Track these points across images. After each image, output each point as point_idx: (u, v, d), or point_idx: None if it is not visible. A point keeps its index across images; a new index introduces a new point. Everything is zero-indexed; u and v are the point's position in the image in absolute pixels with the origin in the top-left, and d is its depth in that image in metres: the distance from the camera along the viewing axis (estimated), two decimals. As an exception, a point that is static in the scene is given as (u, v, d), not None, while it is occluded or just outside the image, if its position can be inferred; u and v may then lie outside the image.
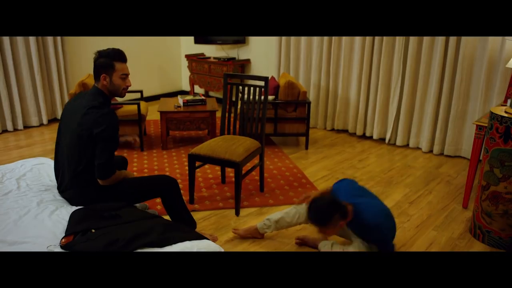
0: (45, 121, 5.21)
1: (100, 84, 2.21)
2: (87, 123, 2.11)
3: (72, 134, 2.16)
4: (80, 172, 2.17)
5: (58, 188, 2.30)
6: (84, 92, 2.33)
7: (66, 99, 5.33)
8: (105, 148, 2.13)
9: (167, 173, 3.65)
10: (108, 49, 2.22)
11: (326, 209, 2.11)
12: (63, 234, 1.85)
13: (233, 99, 3.42)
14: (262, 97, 3.12)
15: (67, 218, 1.98)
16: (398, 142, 4.52)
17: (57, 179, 2.31)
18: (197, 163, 3.11)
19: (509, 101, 2.53)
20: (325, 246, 2.41)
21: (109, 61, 2.19)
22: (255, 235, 2.61)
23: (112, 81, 2.20)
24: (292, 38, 5.12)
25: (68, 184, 2.20)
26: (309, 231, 2.67)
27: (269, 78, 4.76)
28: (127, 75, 2.25)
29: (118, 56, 2.21)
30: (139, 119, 4.14)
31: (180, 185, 2.48)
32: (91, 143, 2.12)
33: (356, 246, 2.28)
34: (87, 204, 2.14)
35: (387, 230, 2.26)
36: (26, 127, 5.12)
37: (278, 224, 2.51)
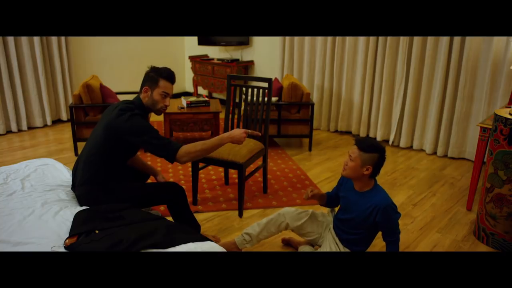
0: (49, 122, 5.24)
1: (142, 95, 2.33)
2: (115, 124, 2.18)
3: (99, 133, 2.24)
4: (96, 169, 2.23)
5: (72, 185, 2.36)
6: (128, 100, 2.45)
7: (70, 100, 5.35)
8: (150, 139, 2.15)
9: (170, 174, 3.66)
10: (162, 67, 2.34)
11: (377, 144, 2.09)
12: (67, 235, 1.85)
13: (237, 100, 3.42)
14: (266, 99, 3.12)
15: (71, 219, 1.98)
16: (402, 144, 4.51)
17: (73, 176, 2.37)
18: (200, 165, 3.12)
19: (513, 103, 2.53)
20: (304, 249, 2.43)
21: (156, 77, 2.29)
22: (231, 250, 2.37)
23: (152, 96, 2.30)
24: (296, 39, 5.12)
25: (82, 180, 2.25)
26: (294, 234, 2.63)
27: (273, 79, 4.76)
28: (168, 94, 2.32)
29: (166, 74, 2.30)
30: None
31: (184, 186, 2.48)
32: (113, 143, 2.21)
33: (327, 248, 2.27)
34: (93, 203, 2.16)
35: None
36: (30, 128, 5.14)
37: (260, 236, 2.37)
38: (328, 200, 2.41)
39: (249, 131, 2.34)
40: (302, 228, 2.36)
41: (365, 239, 2.25)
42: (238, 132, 2.29)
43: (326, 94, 5.04)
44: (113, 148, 2.23)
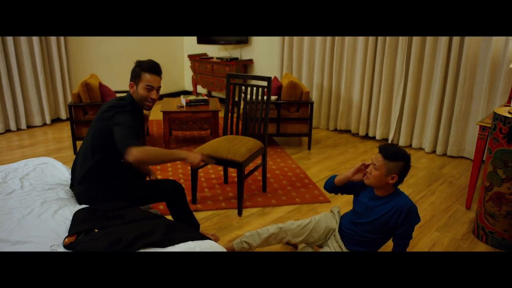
0: (48, 121, 5.24)
1: (130, 91, 2.31)
2: (102, 120, 2.19)
3: (93, 131, 2.24)
4: (91, 167, 2.22)
5: (71, 184, 2.35)
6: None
7: (69, 99, 5.35)
8: (121, 129, 2.10)
9: (170, 173, 3.66)
10: (145, 60, 2.28)
11: (402, 151, 2.02)
12: (66, 234, 1.85)
13: (236, 99, 3.42)
14: (265, 97, 3.12)
15: (71, 218, 1.98)
16: (401, 143, 4.52)
17: (72, 175, 2.36)
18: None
19: (512, 101, 2.53)
20: (304, 249, 2.39)
21: (139, 70, 2.24)
22: None
23: (137, 91, 2.26)
24: (295, 38, 5.11)
25: (79, 178, 2.25)
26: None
27: (272, 78, 4.76)
28: (152, 87, 2.25)
29: (148, 67, 2.23)
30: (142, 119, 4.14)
31: (183, 185, 2.48)
32: (105, 140, 2.19)
33: (330, 248, 2.23)
34: (92, 201, 2.16)
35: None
36: (29, 126, 5.14)
37: (259, 246, 2.33)
38: (345, 184, 2.28)
39: (205, 156, 2.40)
40: (304, 240, 2.31)
41: (378, 242, 2.19)
42: (195, 155, 2.27)
43: (325, 93, 5.04)
44: (107, 145, 2.20)
